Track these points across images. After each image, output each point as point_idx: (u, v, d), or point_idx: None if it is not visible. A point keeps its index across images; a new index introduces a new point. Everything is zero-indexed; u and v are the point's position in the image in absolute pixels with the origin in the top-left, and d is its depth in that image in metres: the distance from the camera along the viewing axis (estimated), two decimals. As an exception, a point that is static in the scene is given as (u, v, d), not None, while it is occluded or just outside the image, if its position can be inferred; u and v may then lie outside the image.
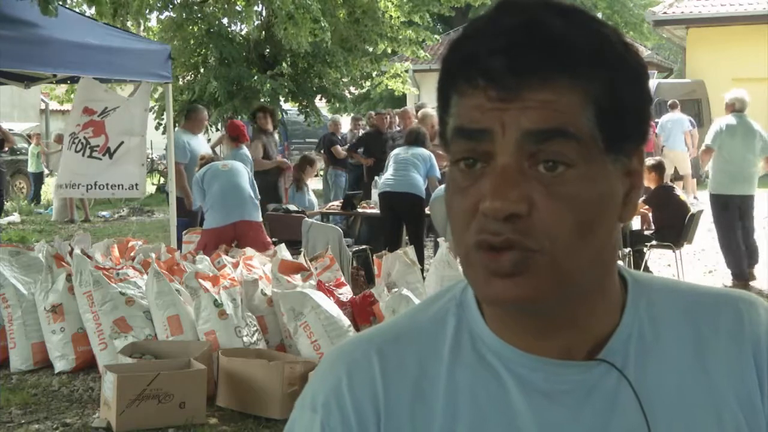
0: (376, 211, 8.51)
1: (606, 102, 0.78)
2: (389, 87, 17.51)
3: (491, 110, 0.77)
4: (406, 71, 18.02)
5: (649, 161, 8.33)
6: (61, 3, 6.59)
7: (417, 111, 11.76)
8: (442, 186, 7.91)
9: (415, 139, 8.32)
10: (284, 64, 15.11)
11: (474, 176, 0.79)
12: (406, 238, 8.30)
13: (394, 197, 7.97)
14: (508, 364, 0.85)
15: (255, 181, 7.53)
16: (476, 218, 0.78)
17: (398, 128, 11.38)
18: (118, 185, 7.69)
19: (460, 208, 0.80)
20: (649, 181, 8.07)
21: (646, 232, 8.00)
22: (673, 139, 14.33)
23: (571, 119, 0.77)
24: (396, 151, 8.43)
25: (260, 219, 7.29)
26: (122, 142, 7.68)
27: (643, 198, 7.96)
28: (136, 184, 7.74)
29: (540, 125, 0.76)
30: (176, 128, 9.29)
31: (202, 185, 7.20)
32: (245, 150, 8.77)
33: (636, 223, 8.34)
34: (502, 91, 0.76)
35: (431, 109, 10.39)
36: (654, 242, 7.91)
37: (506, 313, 0.84)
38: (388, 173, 8.13)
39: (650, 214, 8.11)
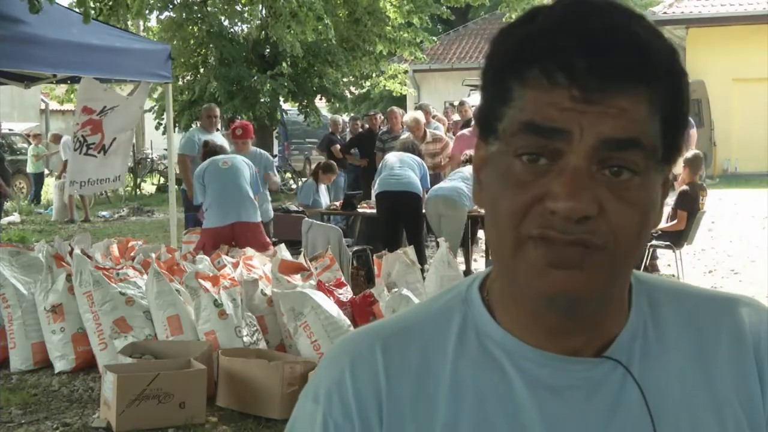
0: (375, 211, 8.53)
1: (670, 113, 0.79)
2: (387, 88, 17.54)
3: (570, 110, 0.76)
4: (405, 72, 18.04)
5: (685, 154, 8.27)
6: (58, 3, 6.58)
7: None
8: (436, 186, 7.98)
9: (409, 151, 8.42)
10: (284, 64, 15.11)
11: (537, 171, 0.78)
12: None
13: (394, 196, 7.98)
14: (514, 359, 0.86)
15: (258, 177, 7.46)
16: (533, 213, 0.78)
17: (384, 128, 11.40)
18: (105, 179, 7.80)
19: (514, 200, 0.78)
20: (686, 176, 7.99)
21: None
22: None
23: (643, 129, 0.77)
24: (391, 154, 8.50)
25: (258, 219, 7.22)
26: (114, 139, 7.74)
27: (677, 203, 7.88)
28: (119, 176, 7.85)
29: (618, 134, 0.76)
30: (176, 128, 9.26)
31: (203, 182, 7.12)
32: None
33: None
34: (585, 92, 0.75)
35: (417, 112, 10.45)
36: (654, 242, 7.89)
37: (528, 311, 0.84)
38: (386, 173, 8.14)
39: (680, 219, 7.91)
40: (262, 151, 8.23)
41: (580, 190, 0.76)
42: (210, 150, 7.48)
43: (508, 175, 0.79)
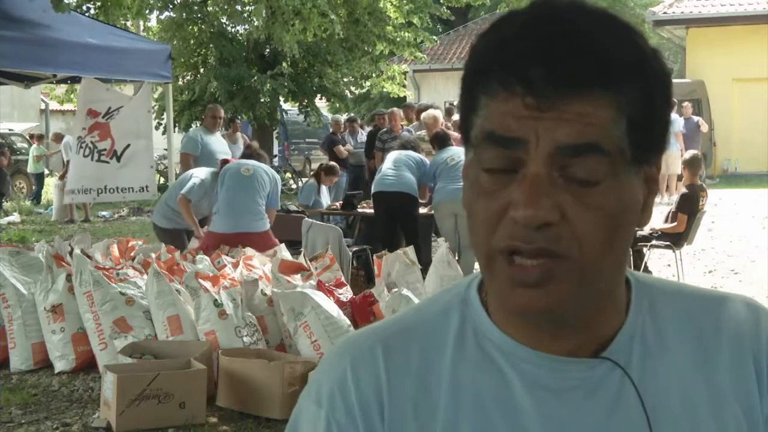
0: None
1: (637, 115, 0.78)
2: (385, 89, 17.54)
3: (526, 119, 0.76)
4: (404, 73, 18.04)
5: (684, 156, 8.27)
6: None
7: (417, 112, 11.78)
8: (451, 186, 7.89)
9: (409, 147, 8.42)
10: (284, 64, 15.11)
11: (502, 181, 0.78)
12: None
13: (388, 197, 7.99)
14: (512, 360, 0.86)
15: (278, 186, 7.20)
16: (503, 223, 0.78)
17: (385, 129, 11.39)
18: (129, 188, 7.83)
19: (486, 211, 0.79)
20: (686, 176, 8.00)
21: (647, 231, 7.97)
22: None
23: (604, 133, 0.76)
24: (390, 153, 8.49)
25: (266, 228, 6.96)
26: (128, 145, 7.75)
27: (678, 206, 7.86)
28: (147, 186, 7.87)
29: (575, 140, 0.76)
30: (176, 128, 9.26)
31: (223, 181, 6.95)
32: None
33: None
34: (540, 100, 0.76)
35: (435, 110, 10.39)
36: (654, 242, 7.89)
37: (523, 320, 0.84)
38: (381, 174, 8.16)
39: (683, 220, 7.87)
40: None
41: (538, 197, 0.76)
42: (252, 153, 7.34)
43: (478, 186, 0.80)
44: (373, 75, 17.02)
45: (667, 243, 7.83)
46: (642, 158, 0.80)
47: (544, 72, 0.75)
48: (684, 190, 7.93)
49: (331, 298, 5.43)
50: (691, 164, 8.01)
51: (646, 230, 8.00)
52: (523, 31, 0.77)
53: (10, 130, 21.51)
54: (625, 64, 0.77)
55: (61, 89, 17.03)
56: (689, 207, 7.82)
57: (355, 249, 7.92)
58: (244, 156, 7.35)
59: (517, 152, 0.77)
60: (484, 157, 0.79)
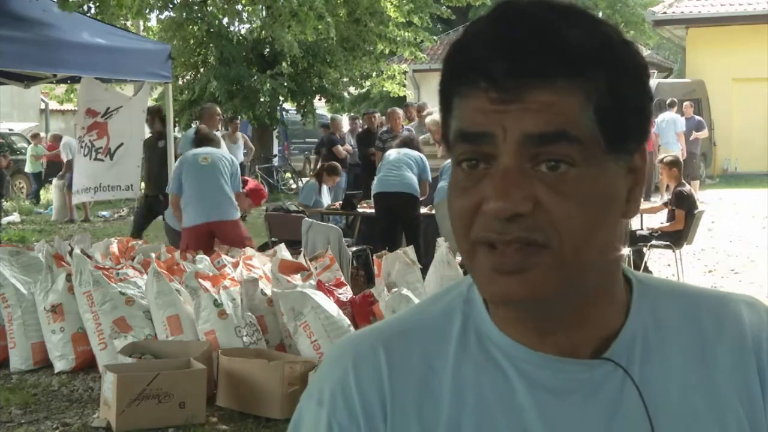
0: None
1: (606, 102, 0.78)
2: (385, 89, 17.54)
3: (492, 113, 0.77)
4: (404, 73, 18.05)
5: (666, 158, 8.34)
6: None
7: (418, 111, 11.80)
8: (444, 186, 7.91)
9: (409, 144, 8.42)
10: (284, 64, 15.11)
11: (477, 176, 0.79)
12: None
13: (390, 197, 7.99)
14: (514, 360, 0.86)
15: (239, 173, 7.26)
16: (479, 217, 0.79)
17: (385, 128, 11.41)
18: (116, 186, 7.87)
19: (463, 206, 0.80)
20: (668, 179, 8.07)
21: (646, 232, 7.97)
22: (666, 138, 14.30)
23: (572, 120, 0.77)
24: (389, 152, 8.49)
25: (236, 216, 7.06)
26: (121, 144, 7.78)
27: (674, 203, 7.86)
28: (131, 185, 7.91)
29: (541, 128, 0.76)
30: (176, 128, 9.23)
31: (180, 175, 6.94)
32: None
33: (636, 223, 8.29)
34: (503, 93, 0.77)
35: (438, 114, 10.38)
36: (654, 242, 7.89)
37: (511, 312, 0.85)
38: (381, 174, 8.16)
39: (679, 217, 7.87)
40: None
41: (508, 189, 0.76)
42: (201, 137, 7.32)
43: (455, 183, 0.81)
44: (373, 74, 17.03)
45: (667, 243, 7.83)
46: (619, 147, 0.80)
47: (506, 65, 0.76)
48: (680, 188, 7.94)
49: (331, 298, 5.43)
50: (676, 165, 8.02)
51: (645, 230, 8.01)
52: (486, 30, 0.79)
53: (10, 130, 21.50)
54: (587, 53, 0.78)
55: (61, 89, 17.02)
56: (687, 204, 7.83)
57: (355, 249, 7.92)
58: (198, 142, 7.23)
59: (487, 147, 0.78)
60: (457, 153, 0.81)
